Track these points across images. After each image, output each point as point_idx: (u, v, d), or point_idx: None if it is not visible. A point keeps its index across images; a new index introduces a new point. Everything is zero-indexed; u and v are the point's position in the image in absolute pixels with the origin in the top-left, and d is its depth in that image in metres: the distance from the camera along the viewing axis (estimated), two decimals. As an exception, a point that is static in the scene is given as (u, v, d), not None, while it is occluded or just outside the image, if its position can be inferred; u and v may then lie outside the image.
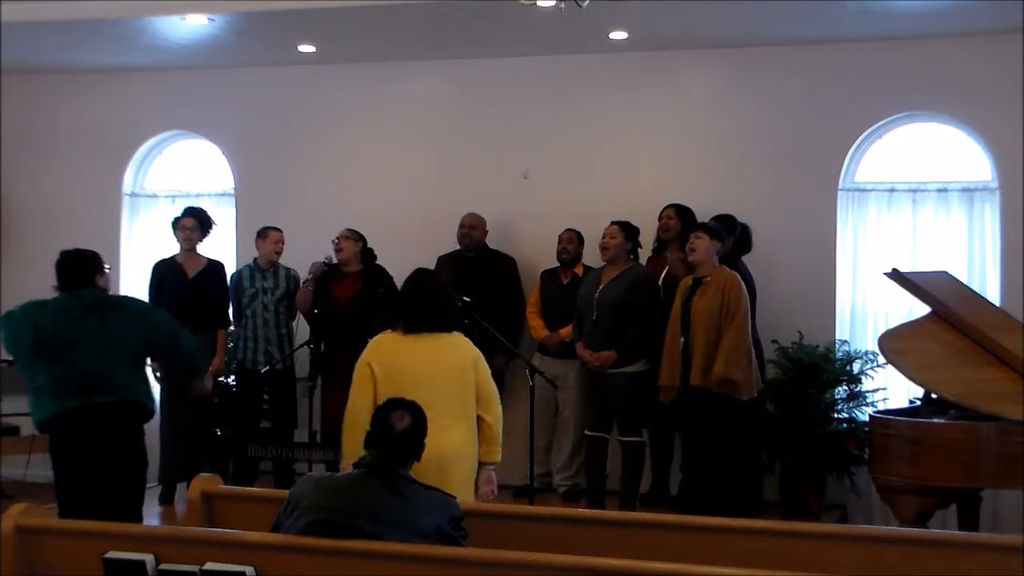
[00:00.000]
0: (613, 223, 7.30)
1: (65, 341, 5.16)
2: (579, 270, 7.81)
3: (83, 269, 5.35)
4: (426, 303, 4.85)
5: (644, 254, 7.67)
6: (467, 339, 4.95)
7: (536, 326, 7.78)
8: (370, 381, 4.77)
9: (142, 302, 5.73)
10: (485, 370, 4.91)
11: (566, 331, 7.60)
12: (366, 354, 4.86)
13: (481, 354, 4.93)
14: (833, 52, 7.78)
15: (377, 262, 7.85)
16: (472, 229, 8.01)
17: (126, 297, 5.75)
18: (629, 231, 7.28)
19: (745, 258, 7.30)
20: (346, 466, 4.70)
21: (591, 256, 7.76)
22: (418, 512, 3.84)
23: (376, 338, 4.91)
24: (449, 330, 4.88)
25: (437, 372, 4.72)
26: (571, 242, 7.83)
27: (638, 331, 7.09)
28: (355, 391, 4.82)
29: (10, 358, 7.93)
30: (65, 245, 5.56)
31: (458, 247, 8.07)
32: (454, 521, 3.91)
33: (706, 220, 7.21)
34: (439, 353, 4.78)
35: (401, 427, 3.97)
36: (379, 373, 4.76)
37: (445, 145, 8.59)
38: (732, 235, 7.20)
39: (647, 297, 7.17)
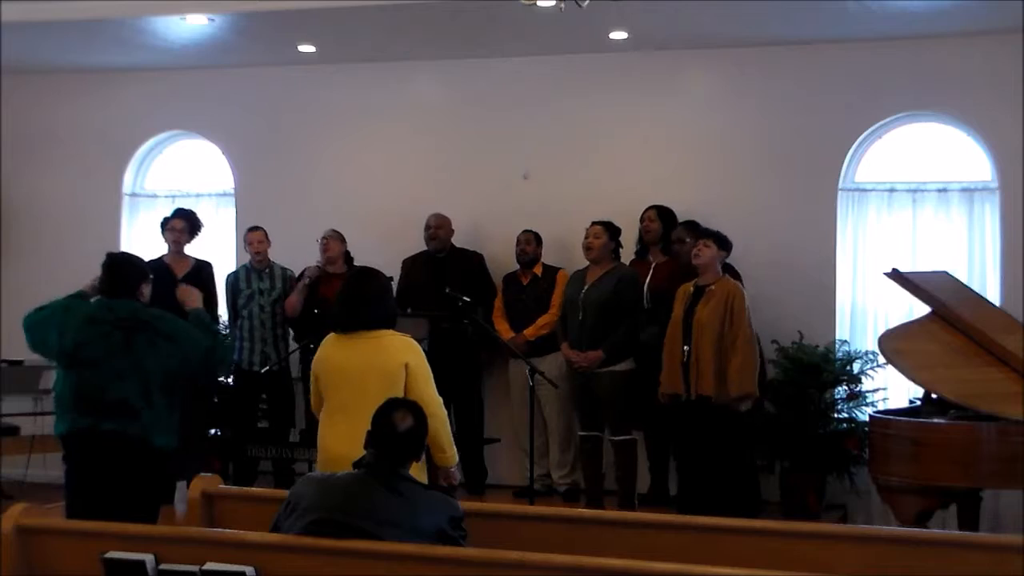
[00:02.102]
0: (595, 223, 7.30)
1: (88, 357, 4.99)
2: (538, 270, 7.83)
3: (127, 279, 5.14)
4: (353, 302, 4.73)
5: (627, 255, 7.67)
6: (407, 340, 4.72)
7: (502, 329, 7.76)
8: (315, 385, 4.79)
9: (177, 323, 5.15)
10: (419, 375, 4.65)
11: (530, 331, 7.64)
12: (314, 357, 4.83)
13: (419, 359, 4.68)
14: (833, 52, 7.78)
15: (357, 263, 7.84)
16: (439, 230, 8.00)
17: (158, 316, 5.12)
18: (612, 231, 7.29)
19: (746, 257, 7.30)
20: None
21: (557, 257, 7.84)
22: (418, 512, 3.84)
23: (325, 339, 4.84)
24: (381, 328, 4.70)
25: (364, 373, 4.57)
26: (529, 243, 7.85)
27: (626, 331, 7.09)
28: (311, 393, 4.87)
29: (10, 359, 7.98)
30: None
31: (424, 248, 8.05)
32: (454, 521, 3.91)
33: (720, 224, 7.22)
34: (368, 354, 4.64)
35: (404, 427, 3.96)
36: (318, 374, 4.74)
37: (445, 145, 8.59)
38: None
39: (633, 297, 7.18)
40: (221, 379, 8.13)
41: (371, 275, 4.88)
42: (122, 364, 4.97)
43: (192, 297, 5.43)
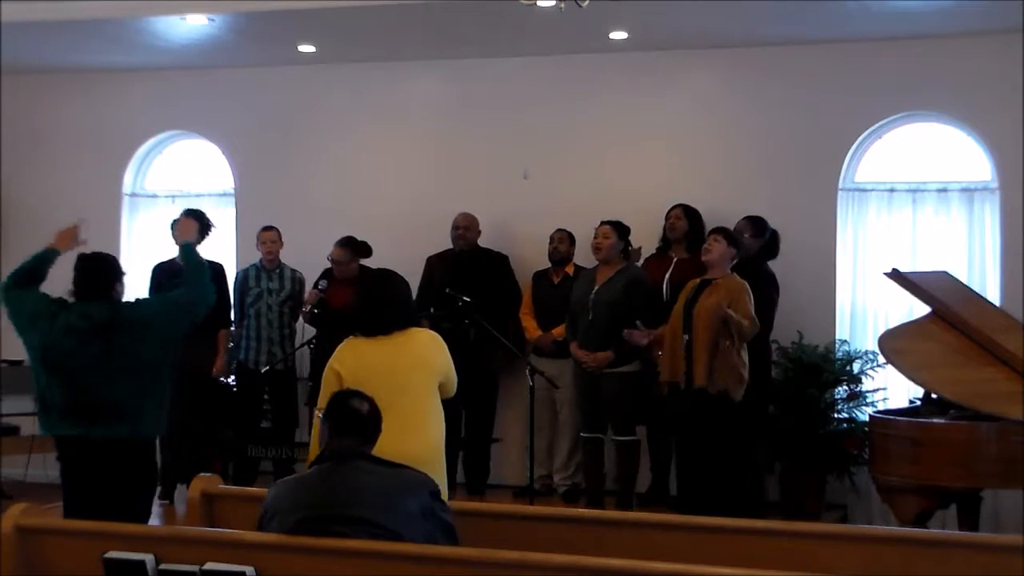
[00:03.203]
0: (604, 223, 7.29)
1: (73, 365, 4.96)
2: (570, 270, 7.82)
3: (99, 278, 5.10)
4: (387, 306, 4.77)
5: (646, 253, 7.68)
6: (436, 338, 4.80)
7: (529, 327, 7.79)
8: (337, 387, 4.69)
9: (150, 307, 5.21)
10: (452, 382, 4.80)
11: (559, 331, 7.62)
12: (332, 361, 4.78)
13: (452, 365, 4.78)
14: (833, 52, 7.78)
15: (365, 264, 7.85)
16: (467, 230, 7.99)
17: (135, 306, 5.14)
18: (621, 230, 7.29)
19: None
20: None
21: (584, 256, 7.77)
22: (401, 494, 3.84)
23: (341, 344, 4.83)
24: (407, 327, 4.77)
25: (408, 370, 4.62)
26: (563, 242, 7.84)
27: None
28: (322, 399, 4.74)
29: (10, 359, 7.98)
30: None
31: (450, 247, 8.05)
32: (434, 496, 3.92)
33: (720, 222, 7.21)
34: (408, 352, 4.69)
35: (365, 410, 4.01)
36: (348, 378, 4.67)
37: (445, 145, 8.59)
38: (761, 238, 7.22)
39: (643, 298, 7.17)
40: (223, 379, 8.16)
41: (394, 276, 4.93)
42: (109, 368, 4.94)
43: (188, 230, 5.43)
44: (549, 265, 7.91)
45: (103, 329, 4.98)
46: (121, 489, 4.95)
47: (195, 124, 9.10)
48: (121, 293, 5.22)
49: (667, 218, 7.65)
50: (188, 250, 5.38)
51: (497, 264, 8.03)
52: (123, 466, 4.97)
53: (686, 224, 7.57)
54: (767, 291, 6.98)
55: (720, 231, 6.78)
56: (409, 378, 4.58)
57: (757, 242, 7.18)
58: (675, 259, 7.57)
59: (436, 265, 7.99)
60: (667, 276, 7.43)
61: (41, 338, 5.04)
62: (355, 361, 4.71)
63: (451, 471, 7.40)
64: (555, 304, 7.71)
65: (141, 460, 5.08)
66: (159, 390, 5.12)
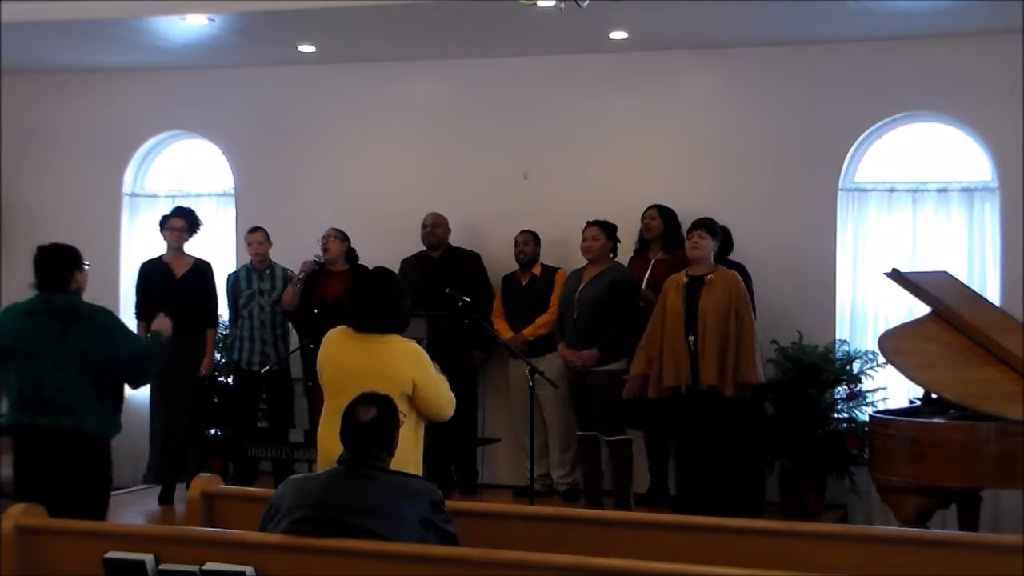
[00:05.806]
0: (592, 224, 7.29)
1: (25, 348, 5.00)
2: (536, 270, 7.84)
3: (58, 267, 5.11)
4: (377, 305, 4.76)
5: (625, 254, 7.68)
6: (412, 349, 4.73)
7: (501, 329, 7.78)
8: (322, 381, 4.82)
9: (111, 318, 5.20)
10: (427, 388, 4.69)
11: (529, 331, 7.66)
12: (319, 352, 4.87)
13: (425, 372, 4.69)
14: (833, 52, 7.78)
15: (360, 262, 7.86)
16: (435, 228, 8.01)
17: (97, 310, 5.14)
18: (609, 230, 7.29)
19: (746, 258, 7.31)
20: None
21: (554, 256, 7.81)
22: (397, 500, 3.85)
23: (328, 333, 4.86)
24: (397, 332, 4.76)
25: (375, 381, 4.52)
26: (527, 243, 7.85)
27: (619, 329, 7.09)
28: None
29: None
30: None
31: (422, 248, 8.06)
32: (435, 506, 3.92)
33: (692, 220, 7.23)
34: (377, 360, 4.65)
35: (367, 418, 4.00)
36: (321, 370, 4.79)
37: (445, 145, 8.59)
38: (715, 239, 7.16)
39: (628, 295, 7.17)
40: (221, 379, 8.16)
41: (393, 278, 4.92)
42: (59, 355, 4.97)
43: (164, 326, 5.47)
44: (517, 267, 7.91)
45: (61, 315, 5.00)
46: (67, 486, 4.90)
47: (195, 124, 9.10)
48: (82, 283, 5.20)
49: (642, 219, 7.64)
50: (159, 344, 5.35)
51: (468, 263, 8.03)
52: (66, 459, 4.95)
53: (661, 224, 7.58)
54: None
55: (702, 226, 6.76)
56: (376, 387, 4.41)
57: (712, 243, 7.09)
58: (653, 260, 7.56)
59: (410, 266, 7.99)
60: (646, 277, 7.42)
61: (3, 321, 5.12)
62: (329, 358, 4.79)
63: (441, 473, 7.40)
64: (524, 305, 7.76)
65: (88, 457, 5.03)
66: (107, 393, 5.11)
